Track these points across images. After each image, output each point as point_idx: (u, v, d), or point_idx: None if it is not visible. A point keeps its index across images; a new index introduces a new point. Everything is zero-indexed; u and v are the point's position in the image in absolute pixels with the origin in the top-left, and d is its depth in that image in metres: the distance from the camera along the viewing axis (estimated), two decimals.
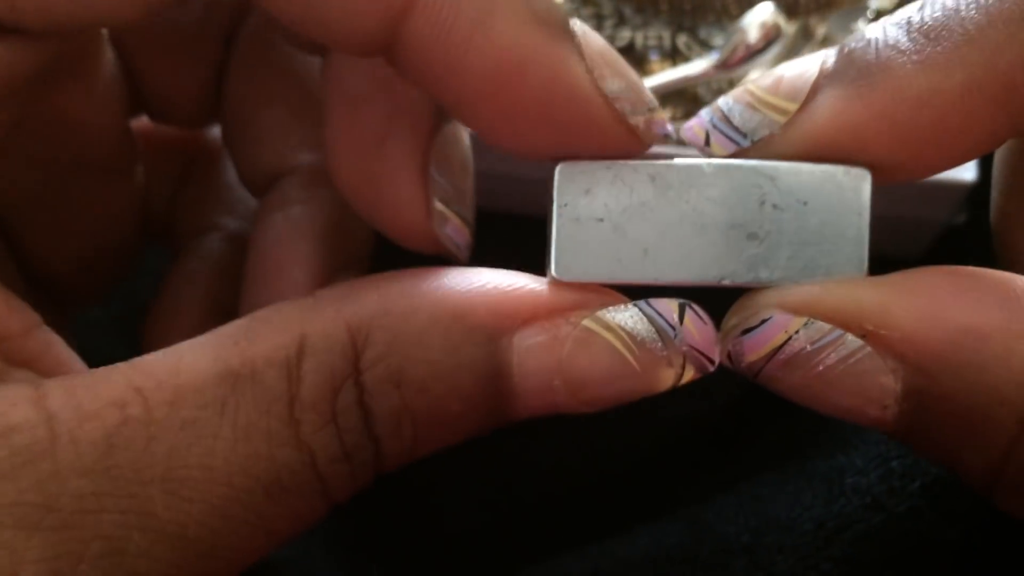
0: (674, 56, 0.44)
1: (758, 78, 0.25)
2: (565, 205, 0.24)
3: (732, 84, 0.42)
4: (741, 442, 0.35)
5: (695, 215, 0.23)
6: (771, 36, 0.39)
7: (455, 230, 0.26)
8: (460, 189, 0.26)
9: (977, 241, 0.41)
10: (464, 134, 0.27)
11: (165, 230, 0.35)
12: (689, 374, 0.24)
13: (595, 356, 0.23)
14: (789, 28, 0.41)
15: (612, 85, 0.24)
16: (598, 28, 0.44)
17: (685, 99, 0.43)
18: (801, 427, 0.34)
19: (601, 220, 0.24)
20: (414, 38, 0.22)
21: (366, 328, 0.23)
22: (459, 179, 0.26)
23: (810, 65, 0.24)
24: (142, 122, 0.33)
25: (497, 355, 0.23)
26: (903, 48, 0.23)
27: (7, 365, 0.23)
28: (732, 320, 0.24)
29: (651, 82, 0.41)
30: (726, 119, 0.25)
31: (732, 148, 0.25)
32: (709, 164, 0.24)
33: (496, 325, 0.23)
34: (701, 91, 0.43)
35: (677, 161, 0.24)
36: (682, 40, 0.44)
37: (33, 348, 0.24)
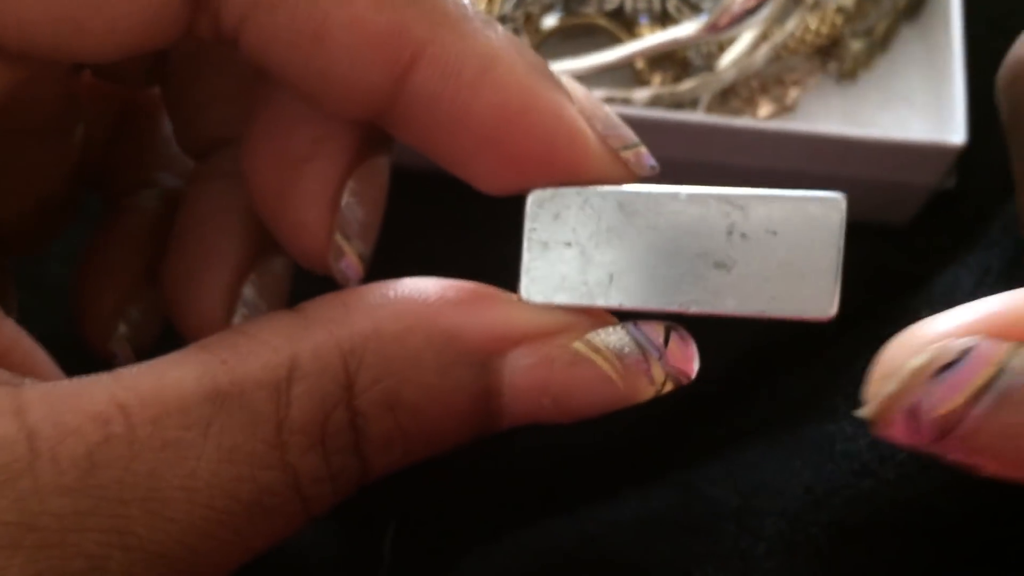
0: (663, 19, 0.44)
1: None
2: (534, 229, 0.24)
3: (721, 48, 0.42)
4: (731, 410, 0.35)
5: (662, 242, 0.23)
6: None
7: (349, 266, 0.26)
8: (366, 225, 0.26)
9: (967, 206, 0.41)
10: (386, 171, 0.27)
11: (99, 178, 0.34)
12: (668, 387, 0.24)
13: (583, 377, 0.24)
14: None
15: (600, 125, 0.24)
16: None
17: (675, 63, 0.43)
18: (791, 396, 0.34)
19: (569, 245, 0.24)
20: (420, 89, 0.23)
21: (359, 351, 0.23)
22: (368, 215, 0.26)
23: None
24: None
25: (489, 376, 0.23)
26: None
27: None
28: (915, 360, 0.20)
29: (641, 45, 0.41)
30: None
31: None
32: (677, 192, 0.23)
33: (489, 347, 0.23)
34: (690, 54, 0.42)
35: (646, 188, 0.24)
36: (672, 3, 0.43)
37: (3, 343, 0.23)
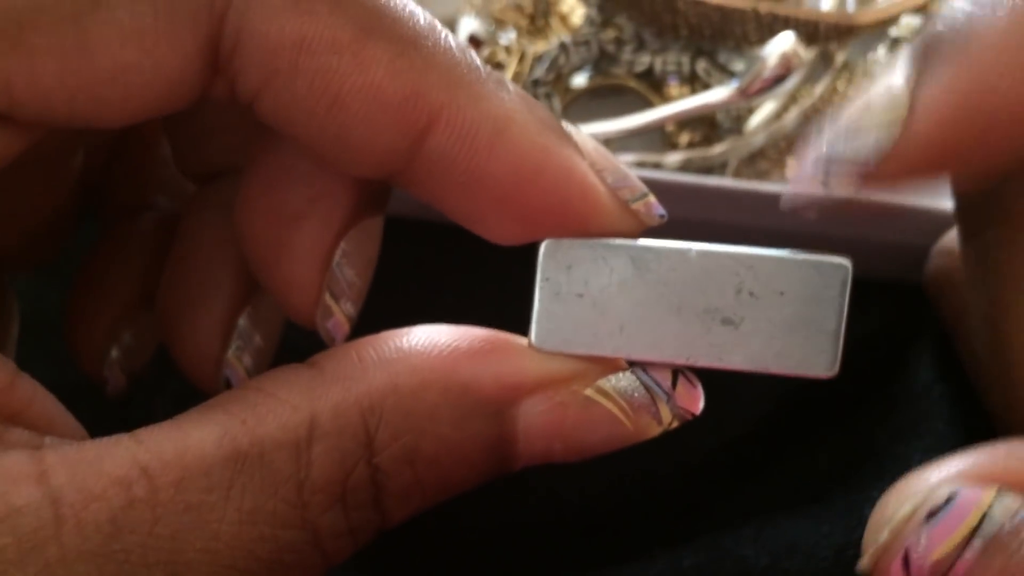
0: (692, 81, 0.44)
1: (844, 110, 0.24)
2: (547, 280, 0.24)
3: (751, 111, 0.43)
4: (759, 476, 0.35)
5: (672, 297, 0.24)
6: (791, 66, 0.39)
7: (336, 326, 0.26)
8: (355, 286, 0.26)
9: None
10: (378, 233, 0.27)
11: (96, 198, 0.34)
12: (674, 425, 0.24)
13: (595, 422, 0.24)
14: (808, 54, 0.42)
15: (611, 177, 0.25)
16: (618, 52, 0.44)
17: (703, 124, 0.43)
18: (819, 464, 0.34)
19: (581, 296, 0.24)
20: (436, 151, 0.23)
21: (378, 408, 0.23)
22: (358, 277, 0.27)
23: (890, 78, 0.24)
24: None
25: (503, 424, 0.24)
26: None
27: (3, 425, 0.22)
28: (904, 508, 0.21)
29: (671, 110, 0.42)
30: (833, 160, 0.24)
31: (859, 179, 0.24)
32: (688, 249, 0.24)
33: (504, 397, 0.24)
34: (720, 117, 0.43)
35: (658, 243, 0.24)
36: (701, 65, 0.44)
37: (20, 400, 0.23)
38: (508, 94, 0.24)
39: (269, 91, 0.23)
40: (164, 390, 0.34)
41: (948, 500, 0.20)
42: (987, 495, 0.20)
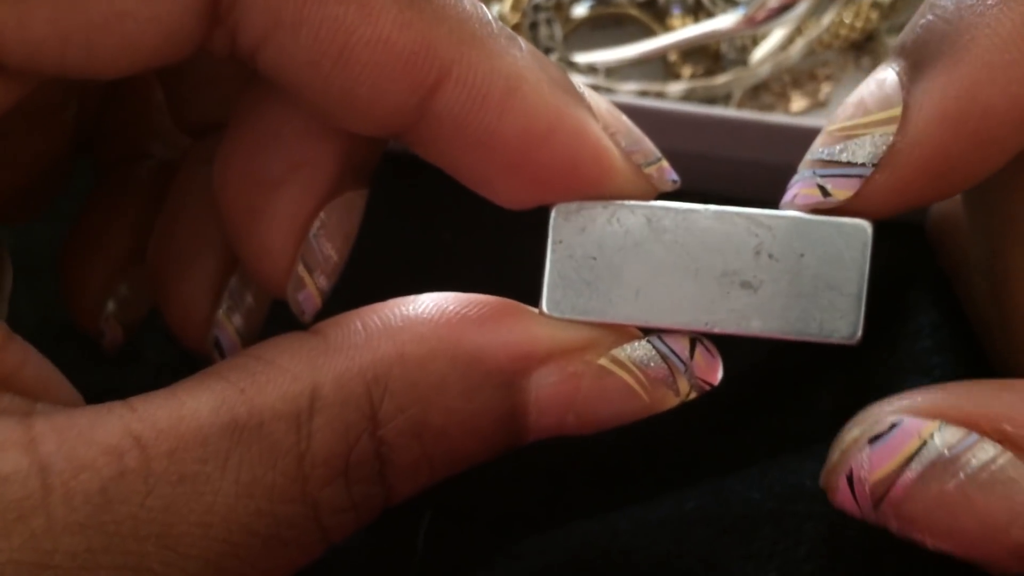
0: (696, 11, 0.43)
1: (835, 116, 0.24)
2: (560, 242, 0.24)
3: (755, 40, 0.42)
4: (762, 416, 0.35)
5: (689, 260, 0.23)
6: None
7: (307, 298, 0.26)
8: (331, 260, 0.26)
9: None
10: (360, 207, 0.26)
11: (91, 146, 0.33)
12: (691, 396, 0.24)
13: (609, 393, 0.23)
14: None
15: (624, 141, 0.24)
16: None
17: (707, 56, 0.43)
18: (821, 404, 0.34)
19: (595, 259, 0.24)
20: (446, 110, 0.22)
21: (383, 379, 0.22)
22: (335, 250, 0.26)
23: (882, 73, 0.23)
24: None
25: (514, 396, 0.23)
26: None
27: None
28: (853, 432, 0.22)
29: (677, 37, 0.41)
30: (831, 163, 0.23)
31: (858, 184, 0.23)
32: (706, 210, 0.23)
33: (514, 367, 0.23)
34: (724, 48, 0.42)
35: (674, 204, 0.24)
36: None
37: (12, 363, 0.22)
38: (520, 52, 0.23)
39: (272, 43, 0.22)
40: (156, 328, 0.34)
41: (892, 427, 0.22)
42: (929, 426, 0.21)
